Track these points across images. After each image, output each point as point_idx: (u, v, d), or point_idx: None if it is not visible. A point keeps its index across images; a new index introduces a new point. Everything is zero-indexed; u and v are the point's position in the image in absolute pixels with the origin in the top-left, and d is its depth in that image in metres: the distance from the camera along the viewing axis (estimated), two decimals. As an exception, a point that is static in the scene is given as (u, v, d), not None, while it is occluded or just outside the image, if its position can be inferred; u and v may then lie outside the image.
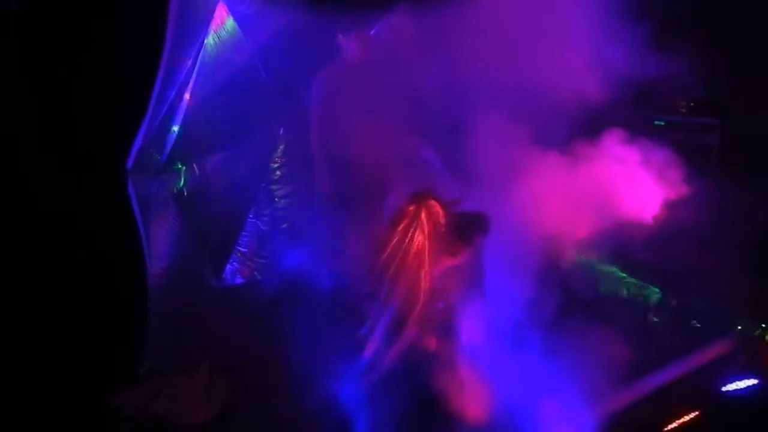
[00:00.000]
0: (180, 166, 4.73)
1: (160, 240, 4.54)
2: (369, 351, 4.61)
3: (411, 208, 4.50)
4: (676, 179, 4.45)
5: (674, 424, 4.36)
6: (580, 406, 4.15)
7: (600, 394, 4.20)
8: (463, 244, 4.46)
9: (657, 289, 5.15)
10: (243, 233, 5.19)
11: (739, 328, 4.75)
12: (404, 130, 4.94)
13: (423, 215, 4.48)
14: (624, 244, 4.89)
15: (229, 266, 5.09)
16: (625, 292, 5.24)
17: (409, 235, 4.50)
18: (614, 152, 4.51)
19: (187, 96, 4.58)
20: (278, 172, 5.29)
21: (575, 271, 4.95)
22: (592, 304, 4.88)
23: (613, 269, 5.24)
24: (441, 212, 4.49)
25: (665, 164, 4.47)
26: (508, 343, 4.40)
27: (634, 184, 4.47)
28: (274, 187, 5.30)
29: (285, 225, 5.32)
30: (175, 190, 4.69)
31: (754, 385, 4.49)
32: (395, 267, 4.54)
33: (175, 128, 4.59)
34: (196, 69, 4.57)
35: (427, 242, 4.50)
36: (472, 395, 4.30)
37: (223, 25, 4.68)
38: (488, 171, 4.58)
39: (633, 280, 5.25)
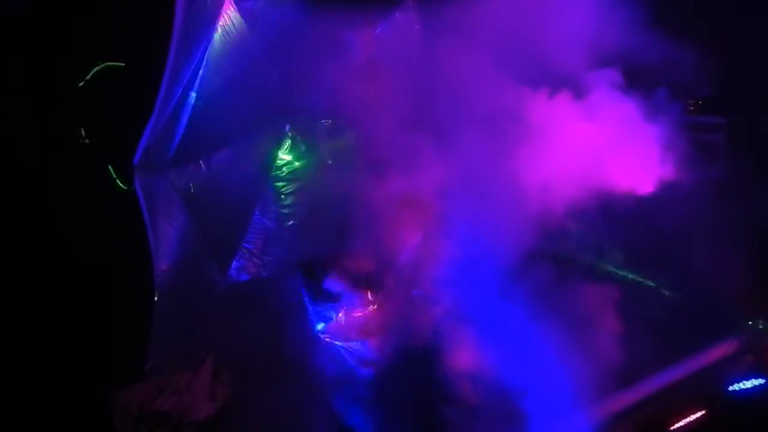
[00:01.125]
0: (187, 163, 4.74)
1: (166, 237, 4.57)
2: (365, 344, 4.71)
3: None
4: (676, 160, 4.39)
5: (681, 423, 4.36)
6: (569, 381, 4.20)
7: (587, 351, 4.25)
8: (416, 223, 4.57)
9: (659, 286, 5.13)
10: (249, 230, 5.20)
11: (746, 327, 4.72)
12: (408, 126, 4.93)
13: None
14: (627, 234, 4.87)
15: (235, 263, 5.09)
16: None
17: None
18: (613, 108, 4.45)
19: (193, 92, 4.59)
20: (284, 169, 5.28)
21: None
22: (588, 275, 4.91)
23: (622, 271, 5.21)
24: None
25: (668, 142, 4.41)
26: (496, 305, 4.45)
27: (631, 151, 4.40)
28: (280, 184, 5.28)
29: (291, 222, 5.31)
30: (181, 187, 4.70)
31: (760, 384, 4.48)
32: None
33: (182, 124, 4.60)
34: (203, 65, 4.58)
35: None
36: (462, 355, 4.38)
37: (230, 21, 4.68)
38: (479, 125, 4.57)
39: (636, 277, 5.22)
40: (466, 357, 4.44)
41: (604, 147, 4.37)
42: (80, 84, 4.23)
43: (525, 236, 4.41)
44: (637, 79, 4.43)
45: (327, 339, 4.79)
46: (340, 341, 4.80)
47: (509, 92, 4.46)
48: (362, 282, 4.91)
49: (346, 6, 4.78)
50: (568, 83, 4.45)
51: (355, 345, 4.74)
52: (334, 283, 4.92)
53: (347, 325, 4.85)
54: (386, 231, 4.75)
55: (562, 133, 4.45)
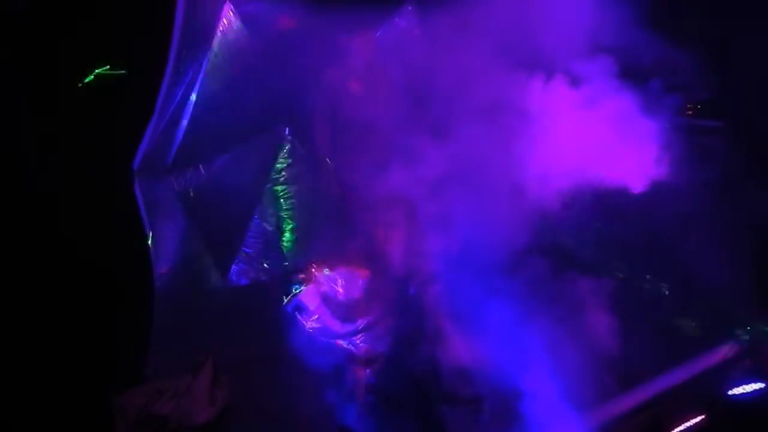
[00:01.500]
0: (186, 167, 4.74)
1: (166, 240, 4.56)
2: (361, 344, 4.71)
3: None
4: (674, 159, 4.41)
5: (679, 428, 4.36)
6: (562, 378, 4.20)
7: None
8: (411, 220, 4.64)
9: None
10: (248, 234, 5.19)
11: (745, 331, 4.74)
12: (407, 130, 4.94)
13: None
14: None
15: (234, 267, 5.08)
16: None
17: None
18: (611, 101, 4.46)
19: (193, 96, 4.59)
20: (284, 173, 5.28)
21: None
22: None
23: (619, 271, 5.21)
24: None
25: (665, 139, 4.43)
26: (491, 301, 4.45)
27: (628, 145, 4.41)
28: (279, 188, 5.28)
29: (290, 226, 5.31)
30: (181, 191, 4.70)
31: (760, 389, 4.48)
32: None
33: (182, 128, 4.60)
34: (203, 69, 4.58)
35: None
36: (458, 352, 4.40)
37: (229, 24, 4.69)
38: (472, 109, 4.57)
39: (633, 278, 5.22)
40: (462, 354, 4.44)
41: (601, 140, 4.39)
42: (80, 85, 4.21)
43: (520, 230, 4.41)
44: (635, 81, 4.46)
45: (321, 338, 4.79)
46: (333, 339, 4.80)
47: (507, 86, 4.48)
48: (340, 303, 4.91)
49: (346, 10, 4.81)
50: (566, 77, 4.48)
51: (350, 344, 4.74)
52: (307, 298, 4.91)
53: (338, 324, 4.86)
54: (383, 230, 4.77)
55: (558, 125, 4.46)
